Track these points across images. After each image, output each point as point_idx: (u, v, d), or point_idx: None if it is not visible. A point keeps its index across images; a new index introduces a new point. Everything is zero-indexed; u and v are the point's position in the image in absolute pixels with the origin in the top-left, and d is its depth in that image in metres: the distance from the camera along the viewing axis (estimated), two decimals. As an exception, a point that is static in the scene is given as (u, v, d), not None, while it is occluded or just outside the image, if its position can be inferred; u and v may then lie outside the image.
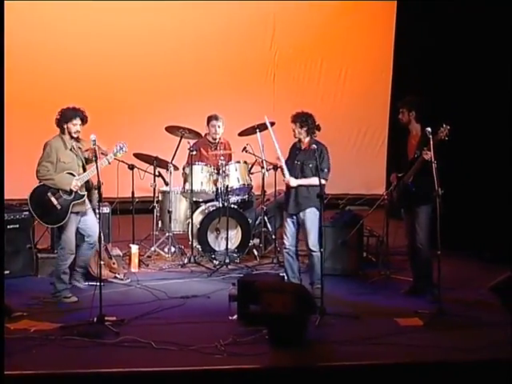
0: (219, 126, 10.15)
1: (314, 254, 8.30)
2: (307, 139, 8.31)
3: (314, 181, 8.10)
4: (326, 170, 8.25)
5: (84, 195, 8.03)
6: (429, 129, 7.93)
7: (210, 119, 10.21)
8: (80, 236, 8.37)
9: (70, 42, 11.96)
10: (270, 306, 7.10)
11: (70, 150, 8.04)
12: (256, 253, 9.95)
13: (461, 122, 8.28)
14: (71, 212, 8.03)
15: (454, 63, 10.48)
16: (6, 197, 9.90)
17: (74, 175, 8.00)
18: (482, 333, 7.31)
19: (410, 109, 8.36)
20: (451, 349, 6.91)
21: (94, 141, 7.64)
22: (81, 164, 8.09)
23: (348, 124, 12.82)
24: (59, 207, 8.00)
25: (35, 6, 11.69)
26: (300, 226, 8.37)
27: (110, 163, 8.22)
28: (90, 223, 8.28)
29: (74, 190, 7.96)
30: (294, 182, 8.31)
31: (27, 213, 9.13)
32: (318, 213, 8.22)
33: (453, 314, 7.69)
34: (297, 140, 8.42)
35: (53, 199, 8.00)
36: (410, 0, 11.77)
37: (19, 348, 6.79)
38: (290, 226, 8.38)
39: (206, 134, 10.28)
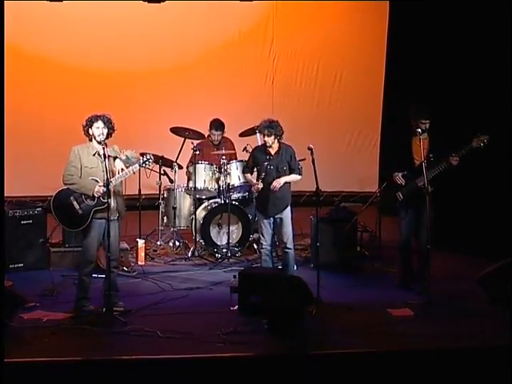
0: (219, 134, 10.30)
1: (289, 251, 8.53)
2: (276, 144, 8.53)
3: (295, 177, 8.55)
4: (299, 167, 8.62)
5: (106, 202, 7.58)
6: (420, 132, 8.25)
7: (211, 127, 10.33)
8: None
9: (74, 42, 11.96)
10: (269, 297, 7.29)
11: (94, 155, 7.69)
12: (256, 247, 10.03)
13: (459, 123, 8.26)
14: (93, 218, 7.67)
15: (448, 66, 10.42)
16: (18, 194, 10.22)
17: (97, 181, 7.63)
18: (468, 322, 7.51)
19: (431, 118, 8.44)
20: (440, 337, 7.12)
21: (104, 141, 7.62)
22: (106, 170, 7.57)
23: (343, 125, 12.89)
24: (80, 212, 7.66)
25: (35, 6, 11.64)
26: (276, 226, 8.60)
27: (134, 173, 7.88)
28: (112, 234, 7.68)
29: (97, 195, 7.60)
30: (281, 181, 8.44)
31: (40, 209, 9.35)
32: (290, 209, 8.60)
33: (441, 305, 7.90)
34: (260, 145, 8.73)
35: (75, 203, 7.67)
36: (403, 0, 11.59)
37: (32, 336, 6.99)
38: (267, 227, 8.59)
39: (208, 135, 10.42)
